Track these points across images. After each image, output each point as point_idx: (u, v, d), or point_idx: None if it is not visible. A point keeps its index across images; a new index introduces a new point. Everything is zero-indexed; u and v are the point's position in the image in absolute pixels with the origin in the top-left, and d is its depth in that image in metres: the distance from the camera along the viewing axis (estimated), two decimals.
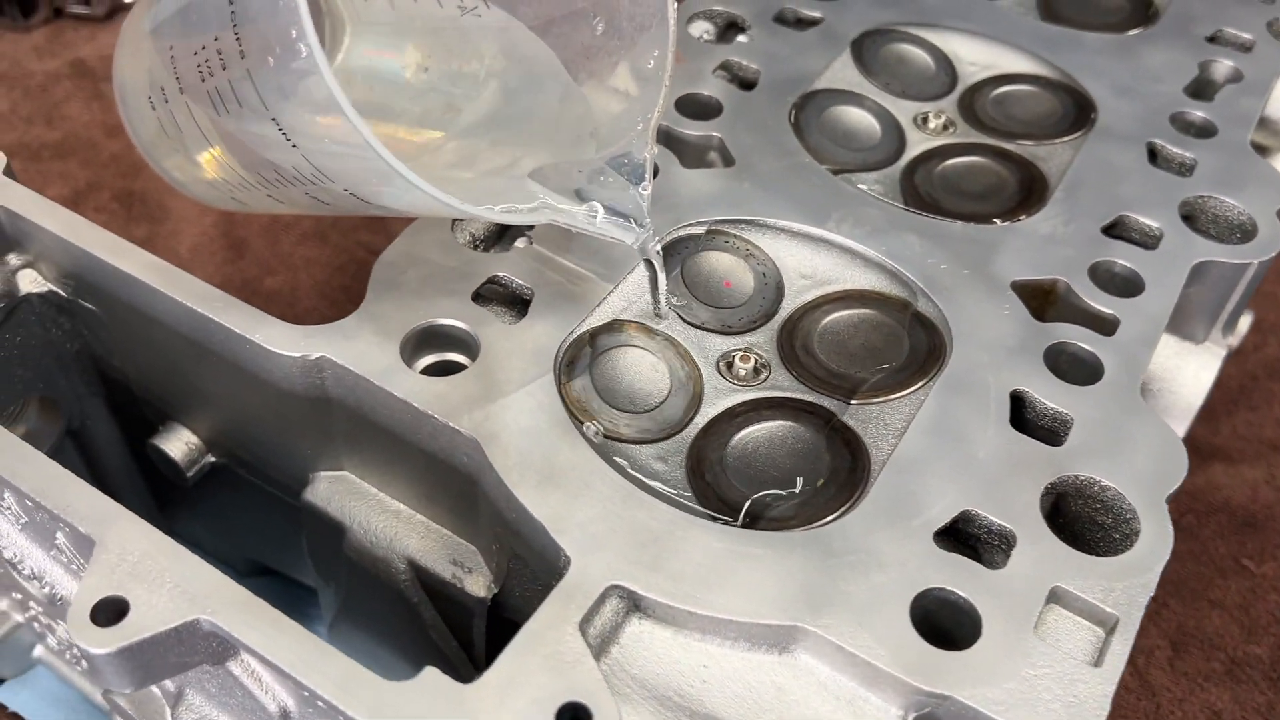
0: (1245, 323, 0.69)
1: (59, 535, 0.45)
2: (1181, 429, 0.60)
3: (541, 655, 0.38)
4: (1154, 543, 0.43)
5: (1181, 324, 0.59)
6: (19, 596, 0.58)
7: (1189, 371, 0.59)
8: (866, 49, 0.67)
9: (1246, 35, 0.71)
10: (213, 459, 0.57)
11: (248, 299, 0.87)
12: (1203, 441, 0.84)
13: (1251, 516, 0.79)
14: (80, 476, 0.64)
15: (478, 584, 0.49)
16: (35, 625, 0.60)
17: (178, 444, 0.57)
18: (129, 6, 1.15)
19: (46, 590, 0.50)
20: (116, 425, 0.62)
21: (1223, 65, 0.68)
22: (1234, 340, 0.63)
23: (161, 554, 0.40)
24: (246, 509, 0.61)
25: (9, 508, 0.47)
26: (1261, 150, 0.68)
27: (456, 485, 0.48)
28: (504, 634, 0.51)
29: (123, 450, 0.64)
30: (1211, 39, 0.70)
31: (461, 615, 0.51)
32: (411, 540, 0.50)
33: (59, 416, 0.60)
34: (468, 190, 0.48)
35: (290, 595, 0.69)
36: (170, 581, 0.39)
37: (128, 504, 0.67)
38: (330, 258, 0.90)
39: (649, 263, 0.50)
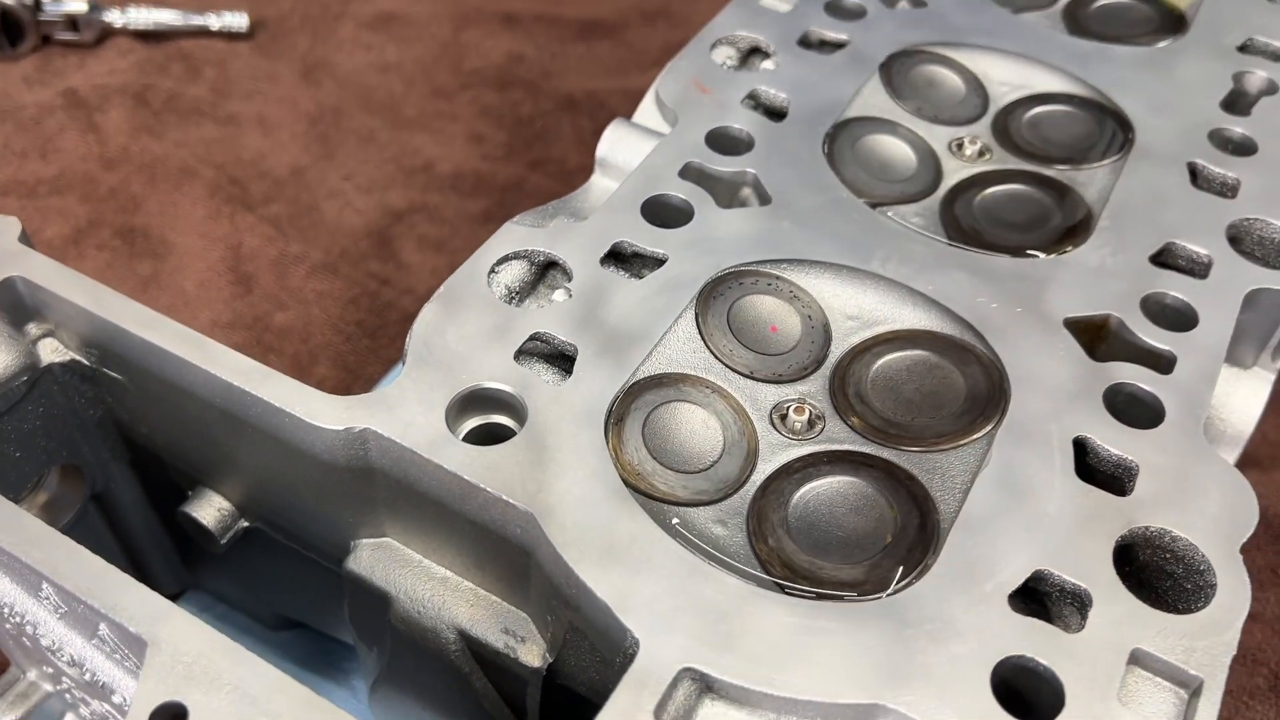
0: None
1: (102, 627, 0.43)
2: (1233, 457, 0.59)
3: None
4: (1232, 598, 0.42)
5: (1230, 350, 0.58)
6: (51, 670, 0.56)
7: (1239, 398, 0.58)
8: (896, 72, 0.65)
9: (1277, 43, 0.69)
10: (246, 524, 0.56)
11: (259, 336, 0.86)
12: None
13: None
14: (105, 539, 0.63)
15: (532, 654, 0.48)
16: (67, 697, 0.59)
17: (210, 510, 0.55)
18: (119, 32, 1.13)
19: (87, 676, 0.48)
20: (141, 488, 0.60)
21: (1257, 76, 0.67)
22: None
23: (217, 653, 0.39)
24: (278, 569, 0.59)
25: (47, 598, 0.45)
26: None
27: (508, 555, 0.46)
28: (557, 699, 0.50)
29: (147, 511, 0.62)
30: (1242, 48, 0.69)
31: (514, 684, 0.49)
32: (461, 609, 0.49)
33: (83, 483, 0.58)
34: None
35: (322, 649, 0.68)
36: (228, 683, 0.38)
37: (153, 562, 0.66)
38: (342, 291, 0.88)
39: None
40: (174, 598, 0.69)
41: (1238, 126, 0.63)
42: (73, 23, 1.08)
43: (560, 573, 0.43)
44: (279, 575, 0.60)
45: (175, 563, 0.67)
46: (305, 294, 0.88)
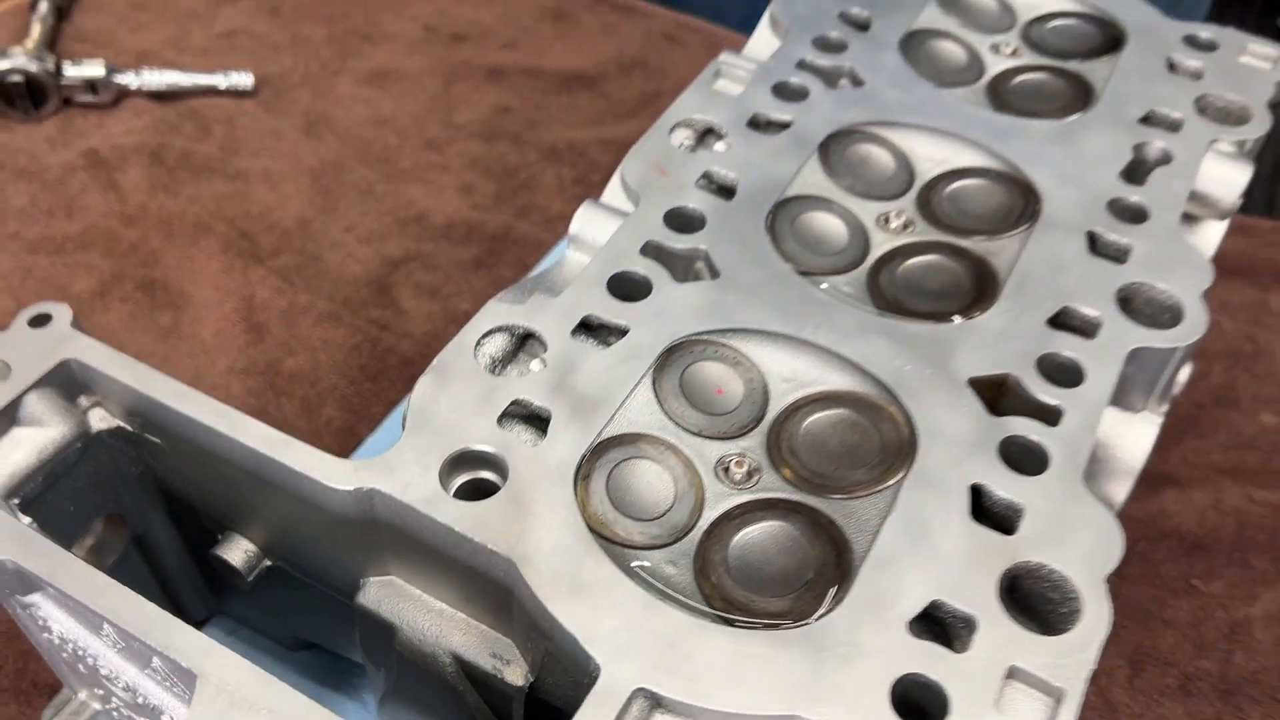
0: (1184, 373, 0.76)
1: (155, 660, 0.52)
2: (1124, 491, 0.67)
3: None
4: (1094, 622, 0.50)
5: (1121, 397, 0.66)
6: (101, 692, 0.65)
7: (1130, 439, 0.66)
8: (832, 152, 0.74)
9: (1176, 114, 0.78)
10: (269, 563, 0.64)
11: (271, 380, 0.95)
12: (1154, 470, 0.91)
13: (1200, 540, 0.87)
14: (143, 575, 0.72)
15: (515, 674, 0.56)
16: (115, 715, 0.67)
17: (237, 552, 0.64)
18: (134, 94, 1.21)
19: (139, 699, 0.57)
20: (176, 532, 0.69)
21: (1154, 147, 0.75)
22: (1176, 391, 0.70)
23: (254, 683, 0.47)
24: (297, 600, 0.68)
25: (107, 635, 0.54)
26: (1191, 219, 0.76)
27: (493, 592, 0.55)
28: (537, 712, 0.59)
29: (181, 552, 0.70)
30: (1144, 119, 0.77)
31: (501, 700, 0.58)
32: (455, 636, 0.57)
33: (125, 529, 0.67)
34: None
35: (336, 668, 0.77)
36: (264, 708, 0.46)
37: (185, 593, 0.75)
38: (346, 338, 0.97)
39: None
40: (202, 623, 0.77)
41: (1133, 195, 0.71)
42: (91, 86, 1.17)
43: (536, 609, 0.51)
44: (297, 605, 0.69)
45: (204, 593, 0.75)
46: (313, 341, 0.97)
